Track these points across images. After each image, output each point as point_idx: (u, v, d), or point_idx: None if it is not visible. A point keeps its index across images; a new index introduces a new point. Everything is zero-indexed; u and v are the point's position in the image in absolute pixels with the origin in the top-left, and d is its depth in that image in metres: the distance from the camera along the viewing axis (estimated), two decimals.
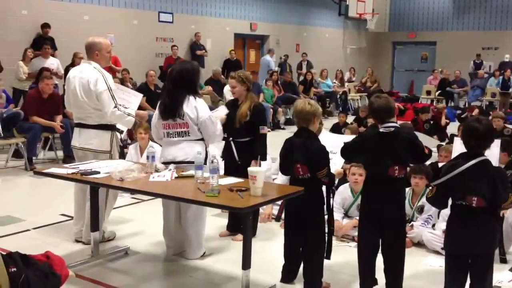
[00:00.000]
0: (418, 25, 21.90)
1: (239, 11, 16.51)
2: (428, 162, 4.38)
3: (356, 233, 4.68)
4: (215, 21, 15.66)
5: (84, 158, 4.87)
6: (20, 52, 10.58)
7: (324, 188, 4.12)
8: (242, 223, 4.03)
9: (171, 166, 4.44)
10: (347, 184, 5.64)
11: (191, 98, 4.59)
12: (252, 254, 3.82)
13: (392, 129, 3.76)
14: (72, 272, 3.34)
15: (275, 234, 5.24)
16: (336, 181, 6.08)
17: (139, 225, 5.61)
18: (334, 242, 5.05)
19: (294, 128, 4.16)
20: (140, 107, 5.84)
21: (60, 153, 8.68)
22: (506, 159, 5.64)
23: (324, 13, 19.64)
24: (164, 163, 4.59)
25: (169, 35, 14.31)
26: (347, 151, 3.98)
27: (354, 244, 4.82)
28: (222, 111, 5.03)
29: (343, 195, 5.57)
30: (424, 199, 4.87)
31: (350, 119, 11.45)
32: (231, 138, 5.08)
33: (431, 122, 11.07)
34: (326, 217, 4.16)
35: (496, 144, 4.43)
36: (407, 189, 5.45)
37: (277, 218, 5.73)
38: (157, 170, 4.38)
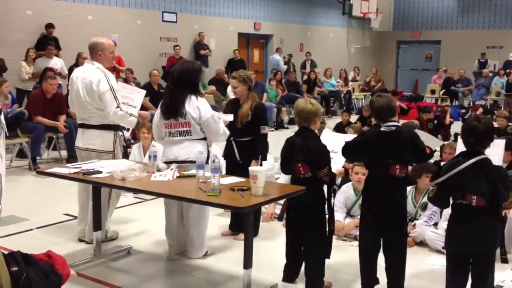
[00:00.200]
0: (423, 24, 21.84)
1: (243, 10, 16.52)
2: (432, 161, 4.39)
3: (358, 233, 4.68)
4: (219, 20, 15.67)
5: (88, 159, 4.88)
6: (25, 53, 10.62)
7: (325, 187, 4.12)
8: (244, 223, 4.03)
9: (173, 166, 4.45)
10: (349, 183, 5.64)
11: (193, 97, 4.60)
12: (254, 253, 3.83)
13: (394, 128, 3.76)
14: (73, 271, 3.34)
15: (277, 234, 5.24)
16: (339, 180, 6.10)
17: (142, 224, 5.63)
18: (336, 241, 5.10)
19: (297, 128, 4.17)
20: (143, 107, 5.86)
21: (64, 153, 8.71)
22: (509, 158, 5.62)
23: (328, 12, 19.62)
24: (166, 162, 4.60)
25: (173, 34, 14.32)
26: (348, 151, 3.98)
27: (356, 243, 4.81)
28: (228, 117, 5.00)
29: (345, 194, 5.58)
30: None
31: (354, 118, 11.43)
32: (232, 138, 5.09)
33: (435, 121, 11.06)
34: (327, 216, 4.16)
35: (501, 144, 4.44)
36: (409, 187, 5.48)
37: (280, 218, 5.74)
38: (159, 170, 4.39)
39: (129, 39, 12.89)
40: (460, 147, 4.02)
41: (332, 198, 4.17)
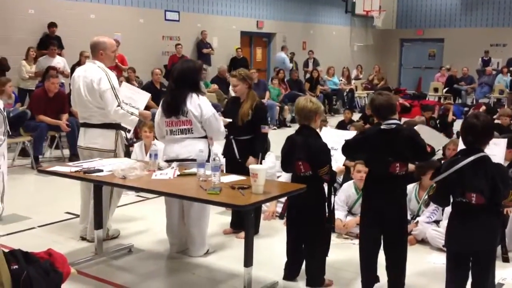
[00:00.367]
0: (426, 22, 21.78)
1: (245, 9, 16.51)
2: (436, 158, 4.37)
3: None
4: (222, 19, 15.66)
5: (90, 158, 4.88)
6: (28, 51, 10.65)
7: (325, 185, 4.12)
8: (244, 221, 4.04)
9: (174, 164, 4.46)
10: (351, 182, 5.64)
11: (194, 95, 4.61)
12: (255, 251, 3.84)
13: (394, 126, 3.75)
14: (74, 269, 3.35)
15: (278, 232, 5.24)
16: (341, 179, 6.10)
17: (143, 223, 5.64)
18: (338, 239, 5.11)
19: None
20: (146, 106, 5.86)
21: (67, 152, 8.72)
22: (511, 155, 5.61)
23: (331, 10, 19.59)
24: (167, 161, 4.60)
25: (176, 33, 14.33)
26: (348, 149, 3.97)
27: (357, 241, 4.81)
28: (227, 120, 5.02)
29: (347, 192, 5.58)
30: None
31: (356, 116, 11.43)
32: (232, 136, 5.10)
33: (437, 120, 11.04)
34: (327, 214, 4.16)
35: (503, 143, 4.43)
36: (413, 184, 5.48)
37: (281, 216, 5.74)
38: (159, 168, 4.40)
39: (132, 38, 12.91)
40: (462, 145, 4.01)
41: (333, 197, 4.17)
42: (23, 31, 11.15)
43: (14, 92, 9.63)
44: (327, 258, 4.18)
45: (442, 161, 3.63)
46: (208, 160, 4.37)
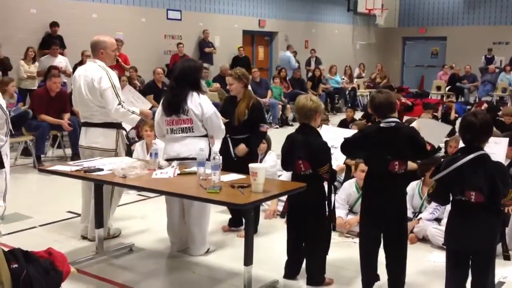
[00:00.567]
0: (428, 20, 21.74)
1: (247, 7, 16.51)
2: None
3: None
4: (224, 18, 15.67)
5: (91, 157, 4.89)
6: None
7: (326, 184, 4.12)
8: (244, 220, 4.05)
9: (174, 163, 4.46)
10: (352, 180, 5.64)
11: (195, 94, 4.62)
12: (255, 250, 3.85)
13: (393, 124, 3.75)
14: (73, 268, 3.36)
15: (278, 230, 5.24)
16: (342, 177, 6.10)
17: (144, 222, 5.64)
18: (339, 238, 5.11)
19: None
20: None
21: (69, 151, 8.73)
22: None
23: (333, 9, 19.57)
24: (167, 159, 4.61)
25: (177, 32, 14.34)
26: (347, 147, 3.97)
27: (358, 240, 4.81)
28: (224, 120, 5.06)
29: (348, 191, 5.58)
30: None
31: (358, 115, 11.42)
32: (228, 135, 5.12)
33: (439, 118, 11.01)
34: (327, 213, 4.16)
35: (503, 142, 4.42)
36: (416, 182, 5.47)
37: (282, 215, 5.73)
38: (160, 167, 4.40)
39: (134, 37, 12.92)
40: (462, 143, 4.00)
41: (333, 195, 4.16)
42: (25, 30, 11.18)
43: (16, 91, 9.66)
44: (327, 256, 4.18)
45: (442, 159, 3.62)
46: (208, 159, 4.37)
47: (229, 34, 15.73)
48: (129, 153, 6.30)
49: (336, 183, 4.91)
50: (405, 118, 8.25)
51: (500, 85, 16.55)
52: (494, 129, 3.86)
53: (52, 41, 10.91)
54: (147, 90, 10.54)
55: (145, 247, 4.95)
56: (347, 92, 16.32)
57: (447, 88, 17.23)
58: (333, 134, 4.43)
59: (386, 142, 3.73)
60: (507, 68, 16.78)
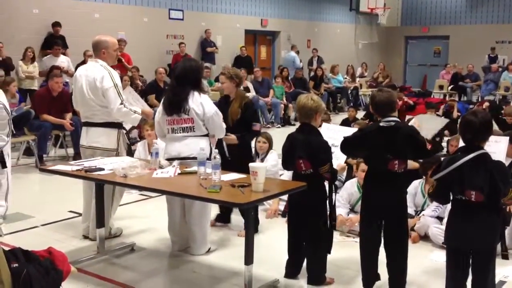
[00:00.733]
0: (431, 19, 21.69)
1: (249, 7, 16.50)
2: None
3: None
4: (226, 17, 15.66)
5: (92, 157, 4.90)
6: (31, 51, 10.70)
7: (326, 183, 4.12)
8: (245, 219, 4.05)
9: (175, 163, 4.46)
10: (354, 180, 5.63)
11: (196, 94, 4.63)
12: (256, 249, 3.86)
13: (393, 123, 3.75)
14: (73, 267, 3.36)
15: (279, 230, 5.24)
16: (344, 176, 6.10)
17: (146, 221, 5.65)
18: (340, 237, 5.10)
19: None
20: (149, 105, 5.87)
21: (71, 151, 8.74)
22: None
23: (335, 8, 19.55)
24: (168, 159, 4.61)
25: (180, 32, 14.34)
26: (347, 146, 3.97)
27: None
28: None
29: (349, 190, 5.57)
30: None
31: (360, 114, 11.41)
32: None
33: (441, 117, 11.00)
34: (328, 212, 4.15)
35: (504, 140, 4.41)
36: (418, 180, 5.47)
37: (284, 214, 5.73)
38: (161, 167, 4.41)
39: (136, 37, 12.92)
40: (462, 142, 4.00)
41: (334, 195, 4.16)
42: (28, 30, 11.19)
43: (18, 91, 9.67)
44: (329, 256, 4.18)
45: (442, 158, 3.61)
46: (209, 158, 4.38)
47: (231, 34, 15.73)
48: (129, 152, 6.31)
49: (337, 182, 4.92)
50: (407, 117, 8.24)
51: (502, 84, 16.50)
52: (495, 127, 3.86)
53: (54, 41, 10.93)
54: (149, 89, 10.55)
55: (146, 247, 4.95)
56: (349, 92, 16.31)
57: (449, 87, 17.19)
58: (333, 133, 4.43)
59: (385, 141, 3.72)
60: (510, 67, 16.72)
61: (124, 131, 5.18)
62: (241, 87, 5.40)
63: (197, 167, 4.19)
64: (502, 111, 9.97)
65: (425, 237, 5.14)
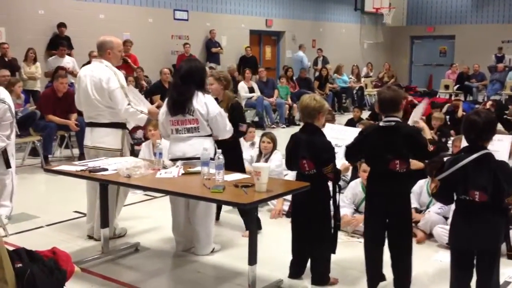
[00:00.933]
0: (436, 19, 21.64)
1: (254, 7, 16.51)
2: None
3: None
4: (230, 18, 15.68)
5: (96, 157, 4.90)
6: (37, 52, 10.73)
7: (330, 183, 4.11)
8: (248, 219, 4.05)
9: (179, 163, 4.47)
10: (358, 180, 5.62)
11: (200, 94, 4.63)
12: (260, 249, 3.85)
13: (393, 123, 3.73)
14: (77, 267, 3.37)
15: (283, 230, 5.23)
16: (349, 176, 6.08)
17: (151, 221, 5.66)
18: (344, 238, 5.09)
19: None
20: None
21: (76, 151, 8.77)
22: None
23: (340, 8, 19.54)
24: (172, 159, 4.62)
25: (184, 32, 14.37)
26: (350, 152, 3.97)
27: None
28: None
29: (354, 190, 5.56)
30: None
31: (365, 114, 11.39)
32: None
33: (447, 116, 10.96)
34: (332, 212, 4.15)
35: (507, 139, 4.40)
36: (424, 179, 5.45)
37: (288, 214, 5.73)
38: (164, 167, 4.41)
39: (141, 38, 12.94)
40: (465, 142, 3.98)
41: (338, 195, 4.15)
42: (33, 31, 11.23)
43: (23, 92, 9.71)
44: (333, 256, 4.17)
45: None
46: (213, 159, 4.38)
47: (236, 34, 15.74)
48: (133, 153, 6.33)
49: (341, 182, 4.90)
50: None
51: (508, 84, 16.43)
52: (500, 127, 3.84)
53: (59, 42, 10.97)
54: (153, 90, 10.56)
55: (151, 247, 4.96)
56: (354, 92, 16.28)
57: (455, 87, 17.13)
58: (337, 133, 4.42)
59: (385, 141, 3.71)
60: None
61: (127, 131, 5.19)
62: (229, 89, 5.41)
63: (201, 167, 4.19)
64: (507, 111, 9.94)
65: (430, 237, 5.12)
